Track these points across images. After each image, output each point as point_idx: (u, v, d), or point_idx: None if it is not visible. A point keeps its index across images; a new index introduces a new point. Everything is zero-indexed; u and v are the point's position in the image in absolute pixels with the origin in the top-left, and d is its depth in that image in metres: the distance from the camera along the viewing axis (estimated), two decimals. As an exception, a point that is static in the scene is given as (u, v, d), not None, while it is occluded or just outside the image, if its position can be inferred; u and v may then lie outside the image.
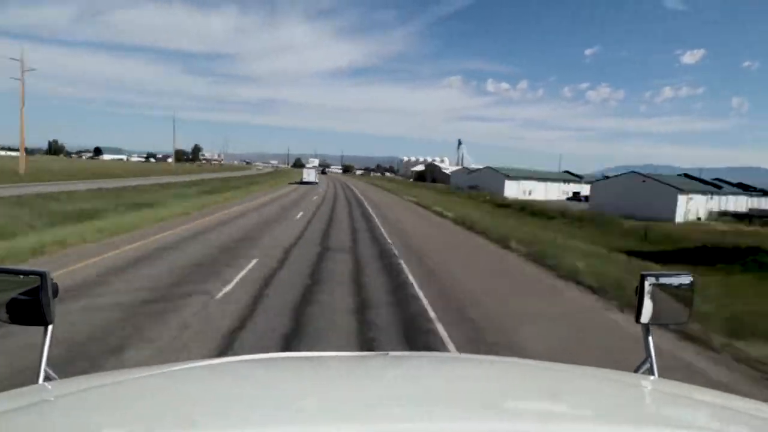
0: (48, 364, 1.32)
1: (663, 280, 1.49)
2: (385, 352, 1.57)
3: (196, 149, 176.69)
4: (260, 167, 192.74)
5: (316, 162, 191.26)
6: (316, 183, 64.69)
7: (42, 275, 1.33)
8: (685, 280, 1.51)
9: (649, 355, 1.45)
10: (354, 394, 1.11)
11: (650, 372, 1.43)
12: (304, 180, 65.76)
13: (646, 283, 1.46)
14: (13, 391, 1.10)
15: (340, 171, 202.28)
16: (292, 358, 1.73)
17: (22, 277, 1.35)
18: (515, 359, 1.75)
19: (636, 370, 1.46)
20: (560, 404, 1.08)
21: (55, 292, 1.36)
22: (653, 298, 1.47)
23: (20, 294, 1.32)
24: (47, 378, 1.31)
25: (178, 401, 1.07)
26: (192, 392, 1.16)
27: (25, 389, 1.15)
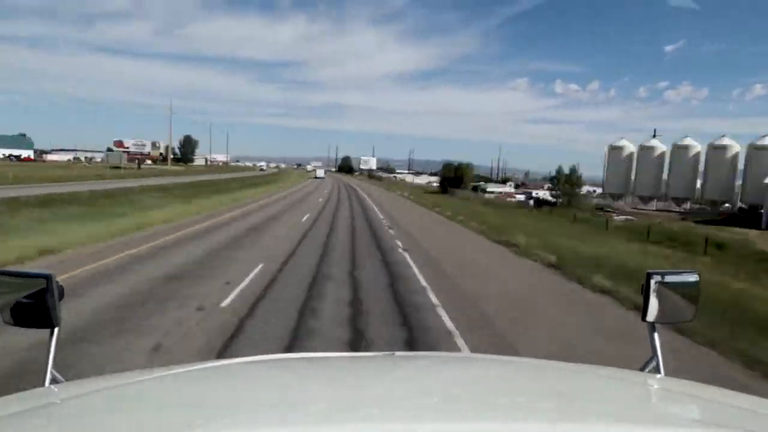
0: (54, 366, 1.31)
1: (669, 279, 1.48)
2: (392, 352, 1.57)
3: (188, 143, 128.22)
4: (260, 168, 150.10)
5: (372, 161, 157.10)
6: (323, 178, 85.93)
7: (48, 278, 1.32)
8: (692, 278, 1.51)
9: (655, 354, 1.44)
10: (361, 395, 1.11)
11: (656, 370, 1.42)
12: (317, 176, 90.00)
13: (652, 282, 1.45)
14: (19, 394, 1.10)
15: (432, 181, 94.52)
16: (299, 359, 1.74)
17: (27, 279, 1.35)
18: (522, 359, 1.80)
19: (642, 369, 1.44)
20: (568, 404, 1.07)
21: (61, 295, 1.35)
22: (659, 296, 1.46)
23: (26, 297, 1.32)
24: (53, 381, 1.30)
25: (184, 403, 1.07)
26: (199, 394, 1.15)
27: (31, 392, 1.15)
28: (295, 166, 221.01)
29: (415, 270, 11.12)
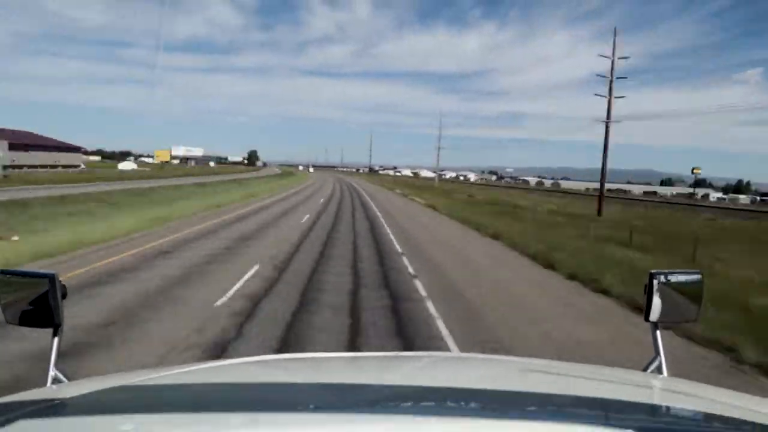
0: (57, 366, 1.33)
1: (672, 278, 1.49)
2: (395, 354, 1.64)
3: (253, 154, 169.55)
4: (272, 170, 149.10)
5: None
6: (311, 172, 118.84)
7: (51, 277, 1.34)
8: (694, 277, 1.51)
9: (658, 354, 1.45)
10: (360, 394, 1.13)
11: (659, 370, 1.43)
12: (309, 171, 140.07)
13: (655, 282, 1.46)
14: (21, 394, 1.11)
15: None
16: (298, 359, 1.78)
17: (30, 279, 1.37)
18: (522, 359, 1.82)
19: (645, 369, 1.46)
20: (569, 404, 1.08)
21: (64, 294, 1.36)
22: (662, 296, 1.47)
23: (29, 296, 1.34)
24: (56, 380, 1.32)
25: (186, 404, 1.08)
26: (201, 395, 1.17)
27: (33, 392, 1.16)
28: (462, 177, 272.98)
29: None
